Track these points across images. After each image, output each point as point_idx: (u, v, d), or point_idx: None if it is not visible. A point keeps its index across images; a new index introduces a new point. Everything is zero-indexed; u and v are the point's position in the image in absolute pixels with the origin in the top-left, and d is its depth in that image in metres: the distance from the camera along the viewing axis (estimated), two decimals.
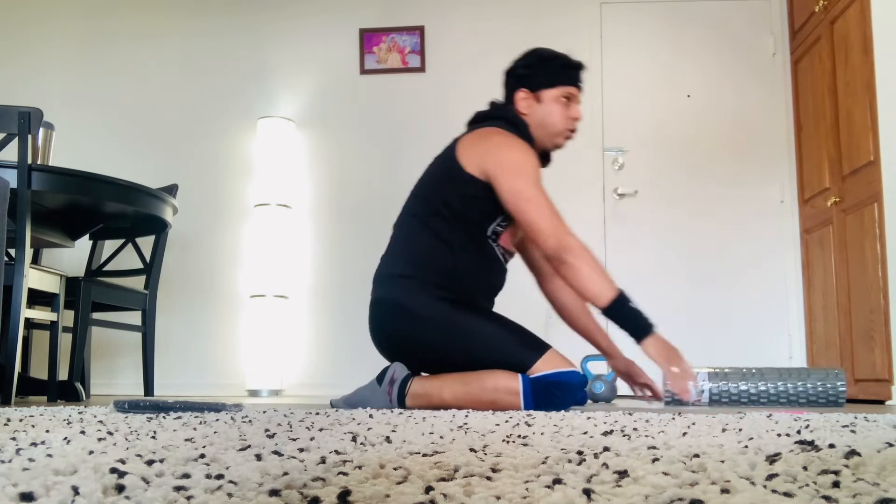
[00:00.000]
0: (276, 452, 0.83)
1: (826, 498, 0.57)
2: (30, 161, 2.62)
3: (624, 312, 2.05)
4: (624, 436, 1.08)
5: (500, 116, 2.32)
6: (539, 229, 2.12)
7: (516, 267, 4.46)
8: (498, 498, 0.57)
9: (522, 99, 2.31)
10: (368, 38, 4.66)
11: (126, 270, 3.49)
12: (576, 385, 2.11)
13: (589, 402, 3.28)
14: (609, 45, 4.56)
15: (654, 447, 0.89)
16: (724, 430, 1.19)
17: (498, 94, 2.45)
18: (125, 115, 4.75)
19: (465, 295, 2.23)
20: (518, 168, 2.15)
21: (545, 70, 2.30)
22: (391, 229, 2.39)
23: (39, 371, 3.89)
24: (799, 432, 1.14)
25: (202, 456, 0.79)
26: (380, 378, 2.22)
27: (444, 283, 2.21)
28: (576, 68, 2.33)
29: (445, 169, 2.27)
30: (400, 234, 2.32)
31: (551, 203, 2.15)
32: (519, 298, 4.50)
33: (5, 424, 1.31)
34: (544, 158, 2.41)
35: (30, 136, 2.62)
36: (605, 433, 1.13)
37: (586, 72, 2.39)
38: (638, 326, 2.05)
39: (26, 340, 3.50)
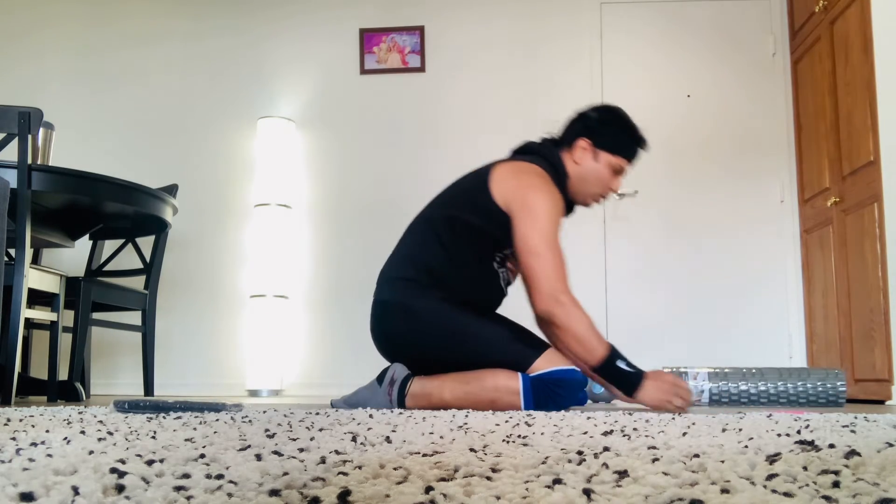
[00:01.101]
0: (276, 452, 0.83)
1: (826, 498, 0.57)
2: (30, 161, 2.62)
3: (612, 371, 2.05)
4: (624, 436, 1.08)
5: (546, 156, 2.30)
6: (536, 288, 2.11)
7: None
8: (498, 498, 0.57)
9: (583, 148, 2.28)
10: (368, 38, 4.66)
11: (126, 270, 3.49)
12: (576, 382, 2.11)
13: (589, 402, 3.28)
14: (609, 45, 4.56)
15: (654, 447, 0.89)
16: (724, 430, 1.19)
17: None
18: (125, 115, 4.75)
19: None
20: (538, 216, 2.13)
21: (618, 135, 2.28)
22: (391, 230, 2.37)
23: (39, 371, 3.89)
24: (799, 432, 1.14)
25: (202, 456, 0.79)
26: (380, 378, 2.23)
27: (443, 291, 2.21)
28: (641, 146, 2.31)
29: (474, 189, 2.25)
30: (410, 236, 2.32)
31: (558, 261, 2.11)
32: (519, 298, 4.50)
33: (5, 424, 1.31)
34: (569, 208, 2.38)
35: (30, 136, 2.62)
36: (605, 433, 1.13)
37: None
38: (628, 383, 2.04)
39: (26, 340, 3.50)
